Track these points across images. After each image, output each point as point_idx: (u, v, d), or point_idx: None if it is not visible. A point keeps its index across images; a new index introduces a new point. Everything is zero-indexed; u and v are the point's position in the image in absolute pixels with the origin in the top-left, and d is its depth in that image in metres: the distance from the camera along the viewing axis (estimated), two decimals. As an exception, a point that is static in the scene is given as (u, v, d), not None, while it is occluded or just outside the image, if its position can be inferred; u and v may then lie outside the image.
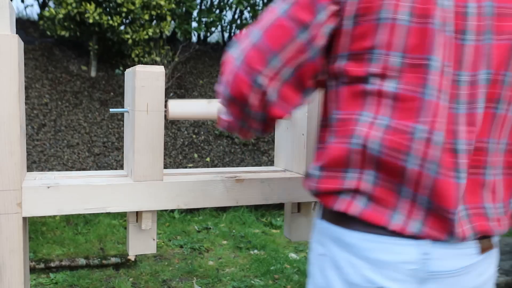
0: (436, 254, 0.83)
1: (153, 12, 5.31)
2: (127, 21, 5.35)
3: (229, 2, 6.37)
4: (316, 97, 1.39)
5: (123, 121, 5.22)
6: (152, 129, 1.22)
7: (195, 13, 6.22)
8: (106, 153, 4.94)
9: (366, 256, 0.84)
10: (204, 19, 6.15)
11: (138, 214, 1.26)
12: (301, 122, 1.40)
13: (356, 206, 0.84)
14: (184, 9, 5.89)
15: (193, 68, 6.22)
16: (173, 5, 5.44)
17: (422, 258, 0.82)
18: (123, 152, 4.91)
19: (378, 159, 0.81)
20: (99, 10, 4.95)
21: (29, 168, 4.45)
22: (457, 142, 0.81)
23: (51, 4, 6.06)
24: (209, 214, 4.66)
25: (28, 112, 4.93)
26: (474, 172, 0.85)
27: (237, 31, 6.87)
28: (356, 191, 0.84)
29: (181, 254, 3.64)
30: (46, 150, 4.72)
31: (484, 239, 0.88)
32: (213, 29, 6.63)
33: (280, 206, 4.74)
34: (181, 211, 4.59)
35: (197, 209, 4.66)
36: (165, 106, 1.27)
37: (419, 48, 0.78)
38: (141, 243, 1.28)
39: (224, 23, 6.76)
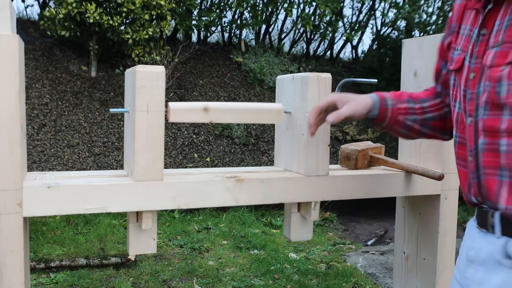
0: None
1: (153, 12, 5.31)
2: (127, 21, 5.35)
3: (229, 3, 6.37)
4: (316, 98, 1.39)
5: (123, 121, 5.22)
6: (152, 129, 1.22)
7: (195, 13, 6.22)
8: (106, 153, 4.94)
9: None
10: (204, 18, 6.15)
11: (138, 214, 1.26)
12: (301, 122, 1.40)
13: None
14: (184, 8, 5.88)
15: (193, 68, 6.22)
16: (173, 5, 5.44)
17: None
18: (123, 152, 4.91)
19: None
20: (99, 10, 4.95)
21: (30, 168, 4.45)
22: None
23: (51, 4, 6.06)
24: (209, 214, 4.66)
25: (29, 112, 4.93)
26: None
27: (237, 31, 6.87)
28: None
29: (181, 254, 3.64)
30: (47, 150, 4.72)
31: None
32: (213, 28, 6.63)
33: (280, 206, 4.75)
34: (181, 211, 4.59)
35: (197, 209, 4.66)
36: (166, 106, 1.27)
37: None
38: (141, 243, 1.28)
39: (224, 23, 6.76)
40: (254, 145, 5.59)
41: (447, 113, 1.25)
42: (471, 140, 1.01)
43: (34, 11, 11.55)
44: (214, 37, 7.26)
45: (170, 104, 1.27)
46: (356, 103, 1.18)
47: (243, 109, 1.36)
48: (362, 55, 7.73)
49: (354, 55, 7.84)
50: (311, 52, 7.44)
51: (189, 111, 1.29)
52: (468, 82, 1.02)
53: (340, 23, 7.19)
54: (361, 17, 7.45)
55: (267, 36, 7.11)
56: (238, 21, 6.66)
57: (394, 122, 1.21)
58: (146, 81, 1.20)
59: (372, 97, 1.21)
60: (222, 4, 6.39)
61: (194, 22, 6.18)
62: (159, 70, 1.21)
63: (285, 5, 6.50)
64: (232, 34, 6.96)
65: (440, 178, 1.46)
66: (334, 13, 6.47)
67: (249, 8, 6.29)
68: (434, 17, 6.52)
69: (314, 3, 6.46)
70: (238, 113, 1.35)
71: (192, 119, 1.29)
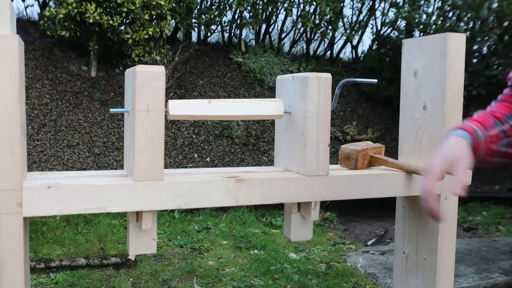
0: None
1: (153, 12, 5.31)
2: (127, 21, 5.35)
3: (229, 2, 6.36)
4: (316, 98, 1.39)
5: (123, 121, 5.22)
6: (152, 129, 1.22)
7: (195, 12, 6.22)
8: (106, 153, 4.94)
9: None
10: (204, 17, 6.15)
11: (138, 214, 1.26)
12: (301, 122, 1.40)
13: None
14: (184, 7, 5.88)
15: (193, 68, 6.22)
16: (173, 4, 5.43)
17: None
18: (123, 152, 4.91)
19: None
20: (99, 10, 4.95)
21: (30, 168, 4.45)
22: None
23: (51, 4, 6.06)
24: (209, 214, 4.66)
25: (29, 112, 4.93)
26: None
27: (237, 31, 6.87)
28: None
29: (181, 254, 3.64)
30: (47, 150, 4.72)
31: None
32: (213, 28, 6.62)
33: (280, 206, 4.74)
34: (181, 211, 4.59)
35: (197, 209, 4.66)
36: (165, 106, 1.27)
37: None
38: (141, 243, 1.28)
39: (224, 23, 6.76)
40: (254, 145, 5.59)
41: None
42: None
43: (34, 11, 11.54)
44: (214, 37, 7.26)
45: (170, 100, 1.28)
46: (464, 161, 1.01)
47: (243, 101, 1.37)
48: (362, 55, 7.73)
49: (354, 55, 7.84)
50: (311, 52, 7.44)
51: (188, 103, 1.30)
52: None
53: (340, 23, 7.19)
54: (361, 17, 7.45)
55: (267, 36, 7.11)
56: (238, 21, 6.66)
57: (486, 154, 1.08)
58: (146, 81, 1.20)
59: (464, 137, 1.05)
60: (222, 3, 6.38)
61: (194, 20, 6.18)
62: (159, 70, 1.21)
63: (285, 4, 6.50)
64: (232, 34, 6.95)
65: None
66: (335, 12, 6.48)
67: (249, 8, 6.29)
68: (434, 17, 6.52)
69: (314, 3, 6.46)
70: (238, 104, 1.36)
71: (191, 111, 1.30)
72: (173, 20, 5.96)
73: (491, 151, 1.07)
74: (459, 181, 0.98)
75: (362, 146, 1.62)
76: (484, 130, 1.06)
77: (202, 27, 6.32)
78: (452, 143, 1.04)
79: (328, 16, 6.63)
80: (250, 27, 6.53)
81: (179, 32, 6.59)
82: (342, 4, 6.92)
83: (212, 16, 6.13)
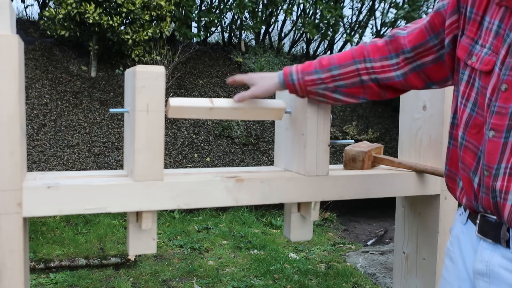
0: None
1: (153, 13, 5.31)
2: (127, 21, 5.35)
3: (229, 3, 6.36)
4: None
5: (123, 121, 5.22)
6: (152, 129, 1.22)
7: (195, 14, 6.21)
8: (106, 153, 4.94)
9: None
10: (203, 20, 6.14)
11: (138, 214, 1.26)
12: (301, 122, 1.40)
13: None
14: (183, 12, 5.88)
15: (193, 68, 6.22)
16: (173, 7, 5.43)
17: None
18: (123, 152, 4.90)
19: None
20: (99, 10, 4.94)
21: (29, 168, 4.45)
22: None
23: (51, 4, 6.06)
24: (209, 214, 4.66)
25: (28, 112, 4.93)
26: None
27: (237, 32, 6.87)
28: None
29: (181, 254, 3.64)
30: (46, 150, 4.72)
31: None
32: (212, 29, 6.62)
33: (280, 206, 4.74)
34: (181, 211, 4.59)
35: (197, 209, 4.66)
36: (165, 106, 1.27)
37: None
38: (141, 243, 1.28)
39: (224, 23, 6.75)
40: (254, 145, 5.59)
41: (364, 81, 1.20)
42: (492, 156, 0.91)
43: (34, 11, 11.54)
44: (214, 37, 7.26)
45: (170, 99, 1.28)
46: (258, 87, 1.30)
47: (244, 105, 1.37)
48: (362, 55, 7.71)
49: (354, 55, 7.83)
50: (311, 52, 7.44)
51: (189, 105, 1.30)
52: (496, 92, 0.90)
53: (340, 23, 7.19)
54: (361, 17, 7.45)
55: (267, 36, 7.11)
56: (238, 22, 6.66)
57: (307, 92, 1.28)
58: (146, 81, 1.20)
59: (278, 75, 1.29)
60: (221, 6, 6.38)
61: (194, 25, 6.17)
62: (159, 70, 1.21)
63: (285, 6, 6.50)
64: (232, 34, 6.95)
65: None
66: (336, 19, 6.49)
67: (249, 10, 6.29)
68: (434, 17, 6.50)
69: (314, 5, 6.46)
70: (239, 107, 1.36)
71: (192, 108, 1.30)
72: (173, 23, 5.96)
73: (310, 91, 1.27)
74: (242, 94, 1.31)
75: (365, 147, 1.62)
76: (301, 74, 1.25)
77: (201, 27, 6.31)
78: (267, 75, 1.31)
79: (328, 17, 6.64)
80: (251, 30, 6.53)
81: (178, 35, 6.59)
82: (342, 5, 6.92)
83: (212, 19, 6.12)
